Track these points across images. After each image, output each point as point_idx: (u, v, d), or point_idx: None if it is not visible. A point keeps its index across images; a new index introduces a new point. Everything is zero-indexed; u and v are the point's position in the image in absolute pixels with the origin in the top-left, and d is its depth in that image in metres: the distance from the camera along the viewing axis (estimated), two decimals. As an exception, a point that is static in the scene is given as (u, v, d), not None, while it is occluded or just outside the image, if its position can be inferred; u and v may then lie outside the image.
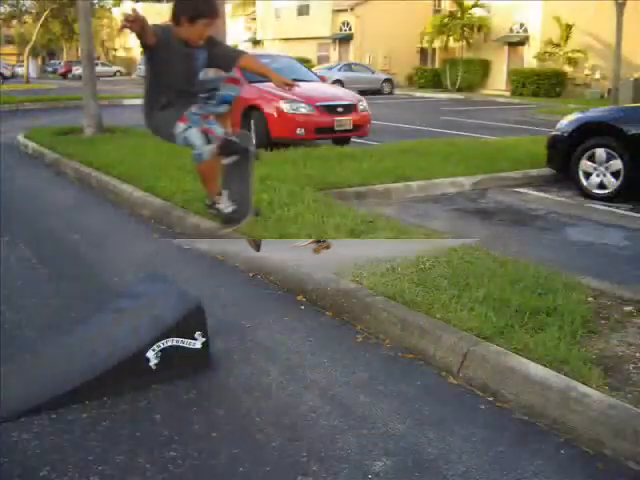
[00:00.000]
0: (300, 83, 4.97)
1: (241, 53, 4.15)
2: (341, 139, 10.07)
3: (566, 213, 6.26)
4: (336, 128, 9.55)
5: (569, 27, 27.94)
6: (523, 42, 30.95)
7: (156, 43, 3.62)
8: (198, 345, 2.85)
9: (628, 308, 3.46)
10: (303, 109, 9.25)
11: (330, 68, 29.81)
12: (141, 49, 3.83)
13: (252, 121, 9.49)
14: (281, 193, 5.62)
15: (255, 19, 45.19)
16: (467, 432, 2.48)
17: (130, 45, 57.71)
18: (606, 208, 6.52)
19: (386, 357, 3.09)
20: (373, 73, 31.54)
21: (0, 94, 20.69)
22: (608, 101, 22.29)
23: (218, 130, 3.94)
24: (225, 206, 4.35)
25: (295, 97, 9.06)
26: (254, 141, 8.72)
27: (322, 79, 11.45)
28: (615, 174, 6.71)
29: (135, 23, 3.35)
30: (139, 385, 2.74)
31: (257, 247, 4.25)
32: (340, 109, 9.65)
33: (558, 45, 28.54)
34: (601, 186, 6.85)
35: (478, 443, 2.41)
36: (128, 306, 3.15)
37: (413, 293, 3.43)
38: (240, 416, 2.58)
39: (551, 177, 7.84)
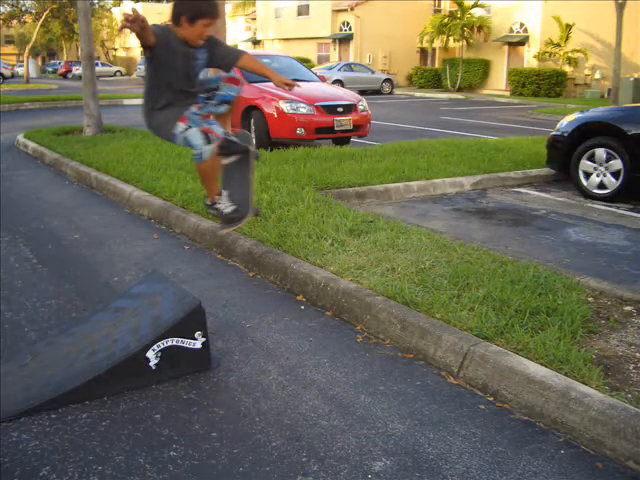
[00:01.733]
0: (300, 83, 4.97)
1: (241, 53, 4.14)
2: (341, 139, 10.08)
3: (566, 213, 6.27)
4: (336, 128, 9.55)
5: (569, 27, 27.96)
6: (523, 42, 30.95)
7: (156, 43, 3.62)
8: (198, 345, 2.85)
9: (628, 308, 3.46)
10: (303, 109, 9.25)
11: (330, 68, 29.80)
12: (141, 49, 3.83)
13: (252, 121, 9.49)
14: (281, 193, 5.62)
15: (255, 19, 45.17)
16: (467, 432, 2.48)
17: (130, 45, 57.75)
18: (606, 208, 6.52)
19: (386, 357, 3.09)
20: (373, 73, 31.53)
21: (0, 94, 20.70)
22: (608, 101, 22.32)
23: (218, 130, 3.94)
24: (225, 206, 4.35)
25: (295, 97, 9.06)
26: (254, 141, 8.74)
27: (322, 79, 11.45)
28: (615, 174, 6.71)
29: (135, 23, 3.35)
30: (139, 385, 2.75)
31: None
32: (340, 109, 9.65)
33: (558, 45, 28.55)
34: (601, 186, 6.85)
35: (478, 443, 2.41)
36: (128, 306, 3.15)
37: (413, 293, 3.43)
38: (240, 416, 2.58)
39: (551, 177, 7.84)
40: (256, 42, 44.24)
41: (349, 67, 30.74)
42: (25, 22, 44.47)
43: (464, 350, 2.88)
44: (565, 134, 7.25)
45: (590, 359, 2.79)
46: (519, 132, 13.76)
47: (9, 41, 63.32)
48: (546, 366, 2.70)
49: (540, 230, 5.57)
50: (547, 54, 29.02)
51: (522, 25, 30.82)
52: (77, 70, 43.45)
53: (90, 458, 2.28)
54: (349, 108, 9.80)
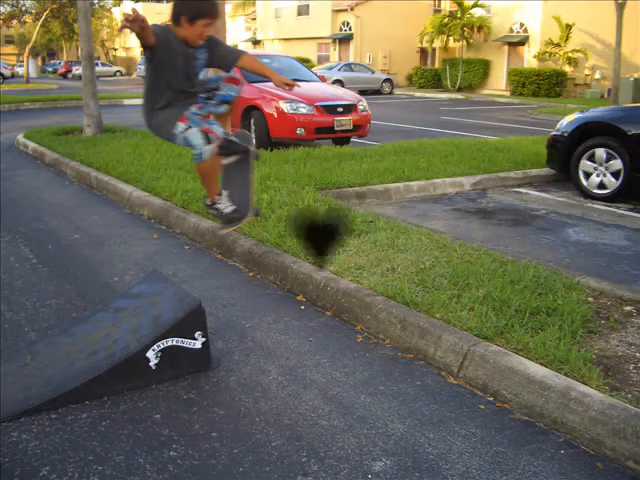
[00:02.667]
0: (300, 83, 4.96)
1: (241, 53, 4.14)
2: (341, 139, 10.07)
3: (566, 213, 6.26)
4: (336, 128, 9.55)
5: (569, 27, 27.96)
6: (523, 42, 30.94)
7: (156, 43, 3.62)
8: (198, 345, 2.85)
9: (628, 308, 3.46)
10: (303, 109, 9.25)
11: (330, 68, 29.80)
12: (141, 49, 3.83)
13: (252, 121, 9.49)
14: (281, 193, 5.62)
15: (255, 19, 45.17)
16: (467, 432, 2.48)
17: (130, 45, 57.74)
18: (606, 208, 6.52)
19: (386, 357, 3.09)
20: (373, 73, 31.52)
21: (0, 94, 20.69)
22: (608, 101, 22.32)
23: (218, 130, 3.94)
24: (225, 206, 4.35)
25: (295, 97, 9.06)
26: (254, 141, 8.74)
27: (322, 79, 11.45)
28: (615, 174, 6.71)
29: (135, 23, 3.35)
30: (139, 385, 2.75)
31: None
32: (340, 109, 9.65)
33: (558, 45, 28.55)
34: (601, 186, 6.85)
35: (478, 443, 2.41)
36: (128, 306, 3.15)
37: (413, 293, 3.43)
38: (240, 416, 2.58)
39: (551, 177, 7.84)
40: (256, 42, 44.23)
41: (349, 67, 30.73)
42: (25, 22, 44.47)
43: (464, 350, 2.88)
44: (565, 134, 7.25)
45: (590, 359, 2.79)
46: (519, 132, 13.76)
47: (9, 41, 63.33)
48: (546, 366, 2.70)
49: (540, 230, 5.57)
50: (547, 54, 29.02)
51: (522, 25, 30.82)
52: (77, 70, 43.45)
53: (90, 458, 2.28)
54: (349, 108, 9.80)
